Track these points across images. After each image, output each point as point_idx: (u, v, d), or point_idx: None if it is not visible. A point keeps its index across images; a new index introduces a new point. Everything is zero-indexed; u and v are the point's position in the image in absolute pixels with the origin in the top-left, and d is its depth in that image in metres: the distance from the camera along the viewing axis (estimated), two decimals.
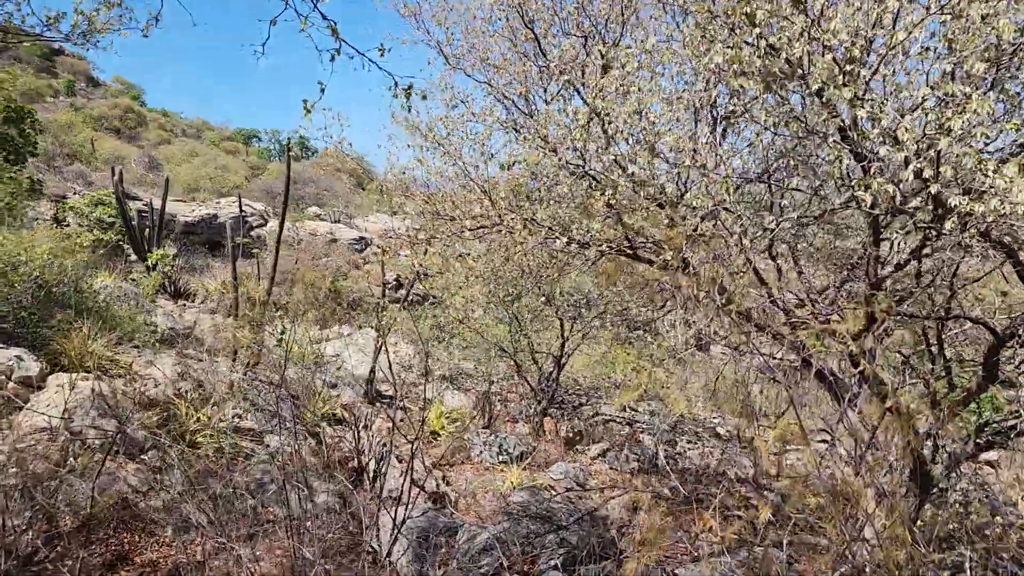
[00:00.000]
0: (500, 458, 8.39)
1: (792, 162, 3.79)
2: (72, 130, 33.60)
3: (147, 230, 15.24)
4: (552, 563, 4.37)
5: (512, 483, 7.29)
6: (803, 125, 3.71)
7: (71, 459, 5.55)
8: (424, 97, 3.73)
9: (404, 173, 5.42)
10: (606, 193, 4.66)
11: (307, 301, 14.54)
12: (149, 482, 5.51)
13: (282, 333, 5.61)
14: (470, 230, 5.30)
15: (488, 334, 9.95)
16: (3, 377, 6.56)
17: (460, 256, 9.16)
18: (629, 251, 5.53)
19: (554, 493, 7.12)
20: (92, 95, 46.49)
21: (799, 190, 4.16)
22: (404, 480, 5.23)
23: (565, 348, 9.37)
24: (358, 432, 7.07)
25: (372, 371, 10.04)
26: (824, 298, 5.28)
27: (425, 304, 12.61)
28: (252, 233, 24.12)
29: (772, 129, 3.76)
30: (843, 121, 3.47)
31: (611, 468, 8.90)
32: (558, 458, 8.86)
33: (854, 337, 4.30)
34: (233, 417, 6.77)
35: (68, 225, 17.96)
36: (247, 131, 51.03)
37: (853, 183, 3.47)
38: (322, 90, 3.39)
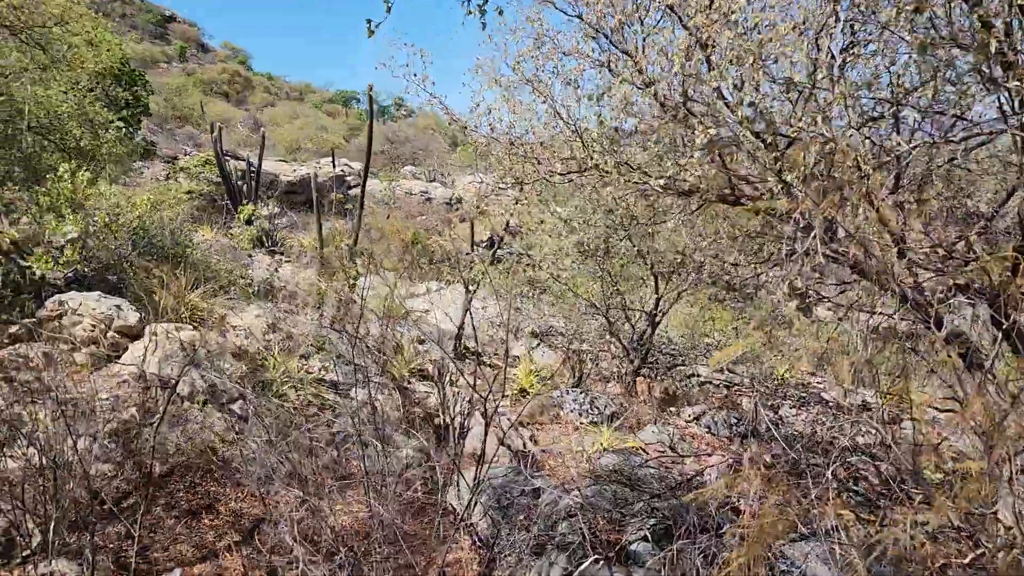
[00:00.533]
0: (590, 418, 8.10)
1: (933, 77, 3.19)
2: (183, 94, 35.00)
3: (245, 187, 15.63)
4: (641, 534, 4.04)
5: (601, 445, 6.98)
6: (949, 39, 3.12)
7: (161, 407, 5.62)
8: (500, 12, 3.38)
9: (489, 112, 5.06)
10: (708, 131, 4.18)
11: (396, 256, 14.58)
12: (235, 432, 5.52)
13: (355, 278, 5.46)
14: (560, 174, 4.89)
15: (579, 291, 9.60)
16: (103, 326, 6.74)
17: (553, 212, 8.83)
18: (731, 198, 5.03)
19: (646, 457, 6.77)
20: (202, 60, 48.32)
21: (941, 113, 3.54)
22: (486, 437, 5.01)
23: (659, 306, 8.90)
24: (443, 388, 6.91)
25: (460, 327, 9.90)
26: (956, 249, 4.63)
27: (513, 259, 12.33)
28: (349, 192, 24.47)
29: (908, 42, 3.18)
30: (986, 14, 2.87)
31: (708, 432, 8.46)
32: (651, 420, 8.48)
33: (994, 293, 3.70)
34: (319, 370, 6.74)
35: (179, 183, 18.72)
36: (346, 93, 51.81)
37: (1001, 77, 2.87)
38: (388, 8, 3.10)
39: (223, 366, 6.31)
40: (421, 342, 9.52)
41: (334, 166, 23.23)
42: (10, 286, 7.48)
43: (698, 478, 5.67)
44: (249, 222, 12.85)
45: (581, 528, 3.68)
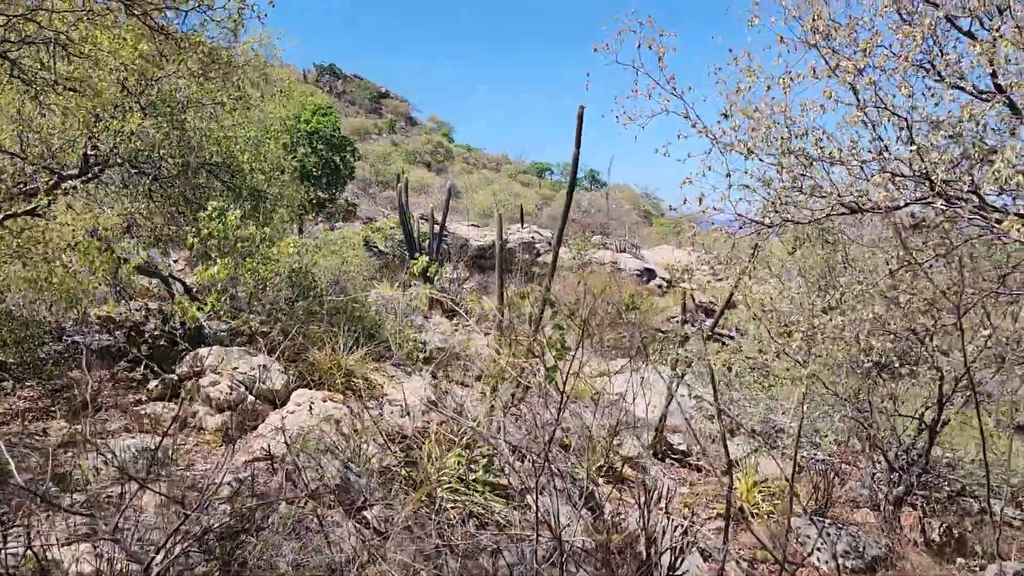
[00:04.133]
0: (846, 563, 5.88)
1: None
2: (387, 161, 36.61)
3: (427, 243, 15.02)
4: None
5: None
6: None
7: (281, 504, 4.31)
8: None
9: (756, 112, 3.37)
10: None
11: (592, 324, 12.93)
12: (369, 550, 4.06)
13: (555, 361, 3.78)
14: (908, 205, 3.01)
15: (821, 385, 7.40)
16: (243, 388, 5.70)
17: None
18: None
19: None
20: (409, 132, 50.96)
21: None
22: None
23: (943, 414, 6.53)
24: (647, 506, 5.09)
25: (663, 418, 8.04)
26: None
27: (725, 341, 10.36)
28: (539, 259, 23.76)
29: None
30: None
31: None
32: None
33: None
34: (484, 468, 5.16)
35: (375, 244, 18.91)
36: (541, 164, 52.43)
37: None
38: None
39: (366, 452, 4.95)
40: (615, 434, 7.76)
41: (522, 226, 22.60)
42: (164, 336, 6.74)
43: None
44: (427, 279, 11.88)
45: None
